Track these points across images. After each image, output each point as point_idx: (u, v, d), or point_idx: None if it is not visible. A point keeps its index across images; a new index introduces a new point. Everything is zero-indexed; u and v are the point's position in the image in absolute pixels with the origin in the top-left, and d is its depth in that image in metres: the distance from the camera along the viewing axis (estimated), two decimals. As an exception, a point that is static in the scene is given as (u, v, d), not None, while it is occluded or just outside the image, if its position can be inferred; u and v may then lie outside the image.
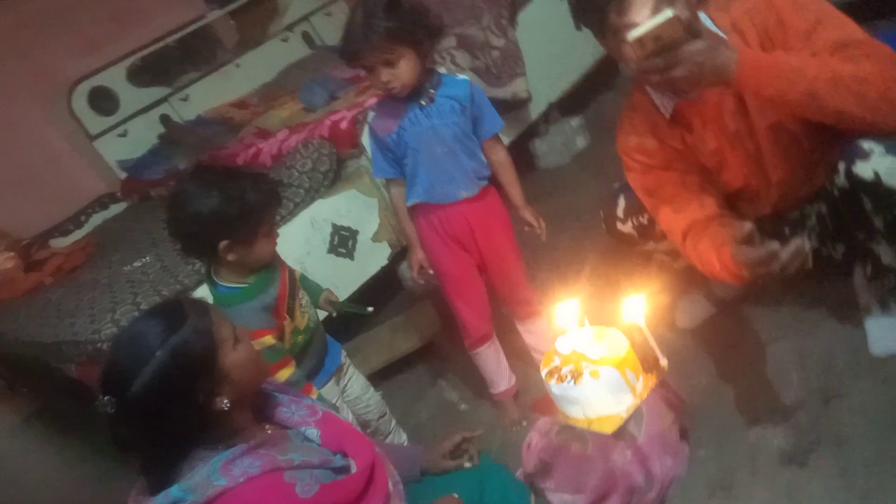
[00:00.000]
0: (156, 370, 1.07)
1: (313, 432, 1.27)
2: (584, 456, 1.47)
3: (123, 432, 1.10)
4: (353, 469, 1.22)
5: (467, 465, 1.52)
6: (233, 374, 1.15)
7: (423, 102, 1.74)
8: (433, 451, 1.54)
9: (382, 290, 2.76)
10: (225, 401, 1.13)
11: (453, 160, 1.78)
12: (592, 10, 1.41)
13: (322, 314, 1.86)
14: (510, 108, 3.06)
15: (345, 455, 1.24)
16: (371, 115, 1.83)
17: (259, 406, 1.27)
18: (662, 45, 1.24)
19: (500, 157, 1.87)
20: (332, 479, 1.18)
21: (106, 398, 1.08)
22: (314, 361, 1.71)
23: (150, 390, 1.07)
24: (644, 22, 1.25)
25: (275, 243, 1.61)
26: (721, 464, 1.53)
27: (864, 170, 1.40)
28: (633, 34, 1.25)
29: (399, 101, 1.75)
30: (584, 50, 3.31)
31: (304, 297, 1.70)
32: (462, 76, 1.82)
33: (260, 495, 1.08)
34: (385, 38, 1.61)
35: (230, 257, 1.53)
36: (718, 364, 1.79)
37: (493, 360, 2.01)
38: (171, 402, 1.09)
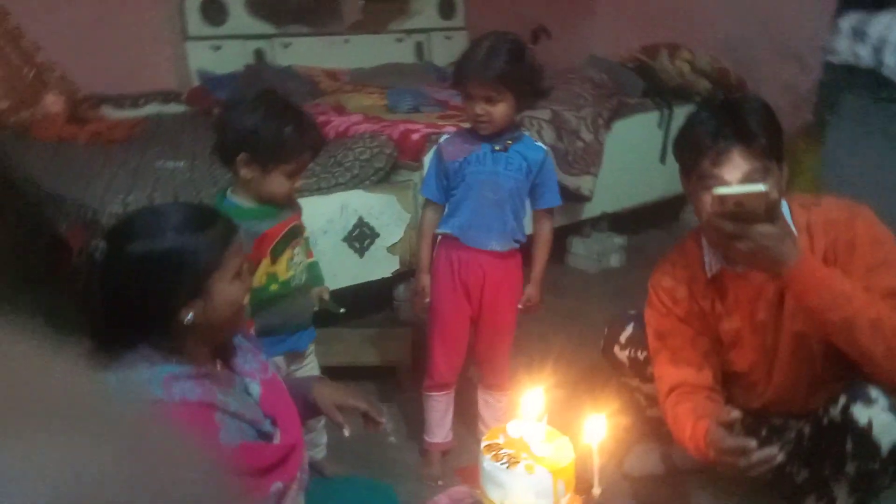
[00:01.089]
0: (154, 247, 1.09)
1: (256, 388, 1.26)
2: (482, 539, 1.45)
3: (94, 287, 1.10)
4: (277, 440, 1.21)
5: (346, 433, 1.40)
6: (214, 300, 1.15)
7: (496, 147, 1.79)
8: (331, 392, 1.43)
9: (371, 299, 2.77)
10: (190, 315, 1.13)
11: (498, 211, 1.81)
12: (690, 150, 1.44)
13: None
14: (568, 198, 3.10)
15: (274, 423, 1.23)
16: (444, 137, 1.88)
17: (219, 344, 1.27)
18: (740, 211, 1.27)
19: (545, 231, 1.90)
20: (255, 440, 1.17)
21: (102, 242, 1.10)
22: (277, 321, 1.69)
23: (139, 260, 1.08)
24: (736, 185, 1.30)
25: (291, 188, 1.63)
26: None
27: (861, 414, 1.40)
28: (720, 190, 1.29)
29: (475, 137, 1.80)
30: (657, 182, 3.37)
31: (300, 256, 1.70)
32: (541, 144, 1.86)
33: (185, 420, 1.07)
34: (498, 77, 1.67)
35: (244, 173, 1.56)
36: (643, 521, 1.77)
37: (440, 411, 2.00)
38: (148, 282, 1.09)
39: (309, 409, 1.40)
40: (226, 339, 1.27)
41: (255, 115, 1.55)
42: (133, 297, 1.10)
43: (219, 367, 1.24)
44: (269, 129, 1.54)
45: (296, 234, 1.69)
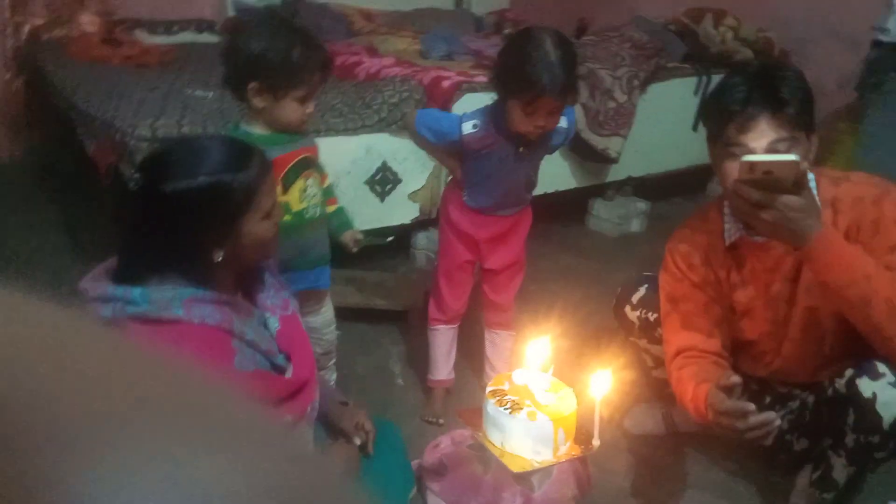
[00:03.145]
0: (189, 188, 1.10)
1: (274, 323, 1.29)
2: (479, 478, 1.49)
3: (127, 215, 1.13)
4: (289, 374, 1.24)
5: (357, 441, 1.49)
6: (243, 240, 1.17)
7: (521, 151, 1.73)
8: (342, 412, 1.52)
9: (389, 247, 2.78)
10: (221, 254, 1.15)
11: (515, 192, 1.83)
12: (719, 114, 1.42)
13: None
14: (594, 158, 3.08)
15: (288, 358, 1.26)
16: (469, 127, 1.73)
17: (243, 276, 1.29)
18: (769, 180, 1.25)
19: None
20: (268, 371, 1.20)
21: (137, 174, 1.12)
22: (292, 253, 1.67)
23: (173, 198, 1.10)
24: (765, 154, 1.28)
25: (304, 113, 1.60)
26: (589, 560, 1.54)
27: (866, 387, 1.40)
28: (751, 157, 1.27)
29: (500, 134, 1.71)
30: (687, 149, 3.31)
31: (313, 188, 1.69)
32: (562, 123, 1.76)
33: (203, 343, 1.10)
34: (568, 86, 1.60)
35: (256, 101, 1.55)
36: (638, 478, 1.80)
37: (445, 345, 2.03)
38: (180, 220, 1.11)
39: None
40: (251, 270, 1.29)
41: (261, 40, 1.51)
42: (165, 233, 1.13)
43: (240, 297, 1.27)
44: (277, 52, 1.51)
45: (308, 164, 1.67)
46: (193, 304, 1.11)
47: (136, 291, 1.09)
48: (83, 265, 2.66)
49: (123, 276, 1.12)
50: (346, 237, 1.84)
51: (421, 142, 1.87)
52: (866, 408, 1.39)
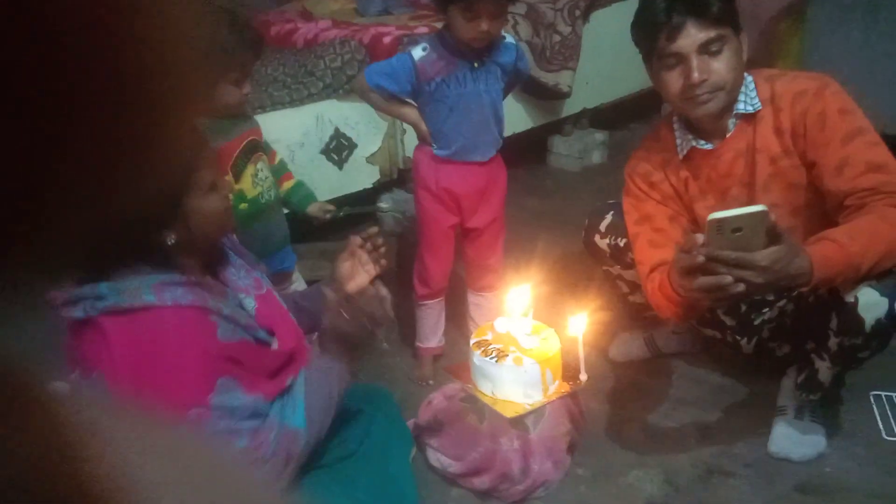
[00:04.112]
0: None
1: (250, 303, 1.26)
2: (475, 429, 1.51)
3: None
4: (274, 346, 1.23)
5: (383, 292, 1.37)
6: (192, 218, 1.14)
7: (475, 65, 1.72)
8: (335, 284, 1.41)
9: (354, 214, 2.75)
10: (172, 237, 1.12)
11: (484, 127, 1.78)
12: (646, 29, 1.46)
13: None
14: (546, 95, 3.05)
15: (270, 333, 1.25)
16: (419, 52, 1.73)
17: (209, 258, 1.27)
18: (742, 239, 1.20)
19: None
20: (252, 342, 1.20)
21: None
22: (255, 242, 1.63)
23: None
24: (731, 209, 1.23)
25: (241, 95, 1.55)
26: (592, 488, 1.58)
27: (848, 292, 1.43)
28: (716, 215, 1.21)
29: (452, 54, 1.71)
30: (637, 74, 3.28)
31: (264, 172, 1.66)
32: (510, 38, 1.80)
33: (181, 323, 1.09)
34: None
35: None
36: (628, 403, 1.84)
37: (434, 317, 2.03)
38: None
39: (315, 320, 1.38)
40: (213, 248, 1.27)
41: None
42: (109, 231, 1.08)
43: (209, 279, 1.25)
44: (202, 38, 1.45)
45: (255, 148, 1.63)
46: (163, 288, 1.09)
47: (102, 286, 1.07)
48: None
49: (87, 276, 1.10)
50: (314, 209, 1.81)
51: (376, 99, 1.81)
52: (849, 311, 1.42)
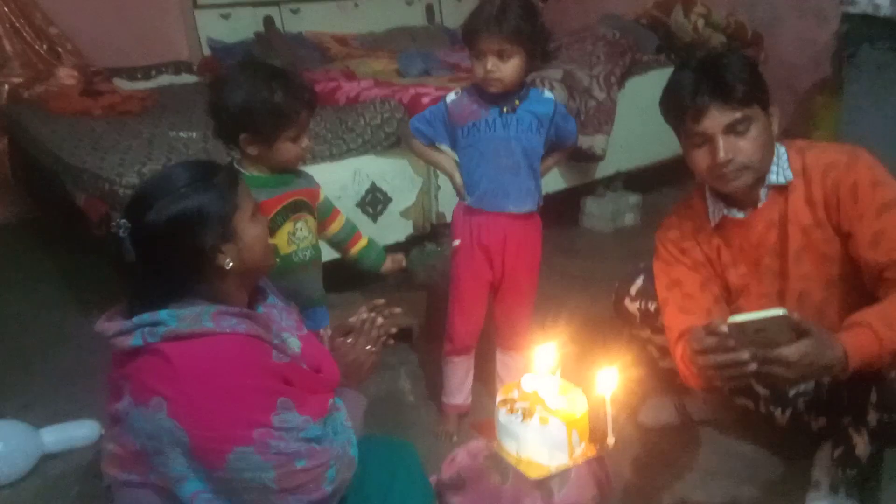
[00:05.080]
0: (173, 203, 1.13)
1: (295, 342, 1.31)
2: (498, 489, 1.48)
3: (128, 256, 1.15)
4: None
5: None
6: (244, 239, 1.20)
7: (504, 109, 1.77)
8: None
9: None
10: (228, 260, 1.18)
11: (514, 175, 1.80)
12: (673, 110, 1.49)
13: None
14: (581, 158, 3.09)
15: (317, 371, 1.29)
16: (452, 97, 1.83)
17: (255, 299, 1.32)
18: (764, 336, 1.20)
19: (556, 157, 1.94)
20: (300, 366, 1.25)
21: (122, 220, 1.14)
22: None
23: (163, 220, 1.12)
24: (751, 312, 1.22)
25: (301, 150, 1.62)
26: (617, 559, 1.53)
27: None
28: (736, 318, 1.21)
29: (482, 99, 1.77)
30: (670, 139, 3.32)
31: (303, 232, 1.68)
32: (549, 94, 1.85)
33: (241, 348, 1.13)
34: (511, 31, 1.66)
35: (250, 150, 1.57)
36: (657, 471, 1.79)
37: (461, 374, 2.02)
38: (178, 238, 1.14)
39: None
40: (258, 292, 1.33)
41: (243, 91, 1.52)
42: (171, 259, 1.15)
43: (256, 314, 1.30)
44: (261, 101, 1.52)
45: (299, 207, 1.66)
46: (220, 317, 1.14)
47: (162, 313, 1.11)
48: (84, 316, 2.68)
49: (140, 308, 1.14)
50: (388, 267, 1.87)
51: (416, 146, 1.91)
52: (890, 386, 1.39)
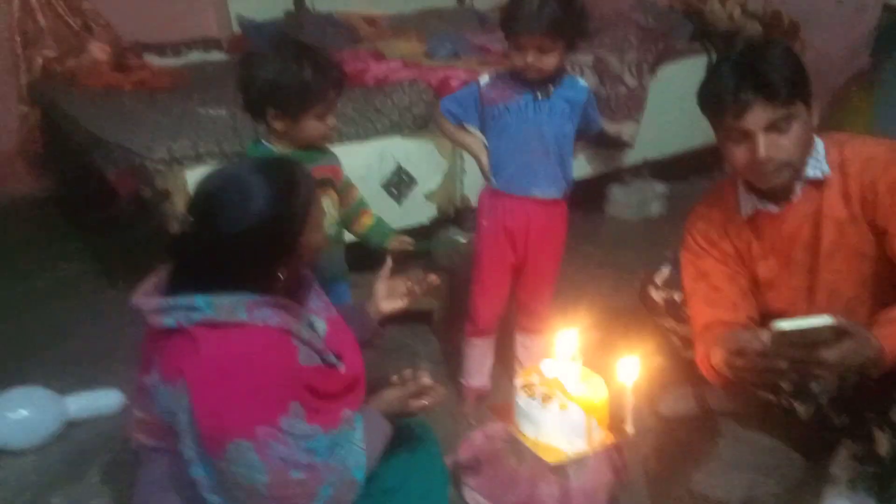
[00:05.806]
0: (251, 228, 1.13)
1: (321, 325, 1.32)
2: (515, 471, 1.49)
3: (188, 248, 1.16)
4: (342, 370, 1.28)
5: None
6: (304, 254, 1.22)
7: (538, 95, 1.76)
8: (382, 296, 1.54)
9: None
10: (284, 272, 1.20)
11: (544, 161, 1.80)
12: (713, 104, 1.44)
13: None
14: (608, 144, 3.07)
15: (339, 356, 1.29)
16: (485, 78, 1.82)
17: (295, 281, 1.32)
18: (805, 339, 1.18)
19: (580, 144, 1.92)
20: (324, 366, 1.25)
21: (190, 217, 1.16)
22: None
23: (233, 232, 1.13)
24: (798, 319, 1.18)
25: (327, 128, 1.62)
26: (632, 546, 1.54)
27: None
28: (782, 325, 1.17)
29: (516, 83, 1.76)
30: (702, 127, 3.28)
31: (329, 208, 1.69)
32: (583, 82, 1.84)
33: (269, 342, 1.14)
34: (553, 27, 1.64)
35: (276, 126, 1.58)
36: (675, 461, 1.79)
37: (480, 356, 2.03)
38: (243, 250, 1.14)
39: (366, 331, 1.50)
40: (298, 275, 1.33)
41: (272, 67, 1.53)
42: (226, 261, 1.15)
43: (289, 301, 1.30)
44: (289, 77, 1.53)
45: (324, 184, 1.67)
46: (255, 308, 1.15)
47: (199, 299, 1.12)
48: (113, 289, 2.72)
49: (181, 289, 1.16)
50: (395, 244, 1.86)
51: (446, 126, 1.90)
52: None
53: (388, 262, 1.55)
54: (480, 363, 2.04)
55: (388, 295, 1.53)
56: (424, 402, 1.33)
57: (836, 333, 1.18)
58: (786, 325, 1.16)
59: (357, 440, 1.23)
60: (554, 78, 1.76)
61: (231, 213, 1.13)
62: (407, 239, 1.88)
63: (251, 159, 1.31)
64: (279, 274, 1.19)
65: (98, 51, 3.60)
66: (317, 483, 1.14)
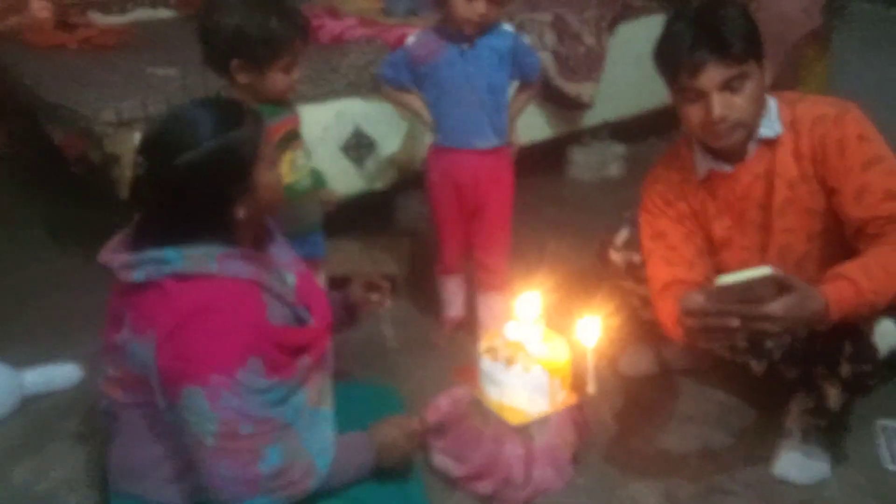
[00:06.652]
0: (200, 157, 1.12)
1: (291, 278, 1.33)
2: (480, 433, 1.52)
3: (144, 192, 1.15)
4: (311, 323, 1.29)
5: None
6: (260, 191, 1.20)
7: (463, 47, 1.80)
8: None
9: (370, 209, 2.77)
10: (243, 210, 1.18)
11: (479, 111, 1.84)
12: (668, 63, 1.45)
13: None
14: (568, 105, 3.06)
15: (307, 310, 1.30)
16: (412, 39, 1.87)
17: (257, 234, 1.32)
18: (749, 294, 1.21)
19: (524, 94, 1.98)
20: (292, 323, 1.27)
21: (141, 159, 1.14)
22: (287, 226, 1.68)
23: (184, 169, 1.12)
24: (738, 272, 1.22)
25: (291, 81, 1.59)
26: (592, 498, 1.58)
27: None
28: (723, 280, 1.21)
29: (442, 37, 1.81)
30: (661, 88, 3.29)
31: (302, 160, 1.68)
32: (508, 28, 1.87)
33: (239, 297, 1.15)
34: None
35: (240, 78, 1.54)
36: (634, 417, 1.84)
37: (453, 291, 2.13)
38: (199, 188, 1.14)
39: (348, 315, 1.56)
40: (263, 229, 1.33)
41: (237, 14, 1.48)
42: (186, 203, 1.15)
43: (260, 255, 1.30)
44: (255, 26, 1.48)
45: (294, 136, 1.66)
46: (225, 259, 1.16)
47: (168, 251, 1.12)
48: (69, 254, 2.65)
49: (147, 242, 1.15)
50: (322, 194, 1.84)
51: (386, 91, 1.96)
52: (863, 339, 1.42)
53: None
54: (454, 295, 2.13)
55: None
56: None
57: (779, 288, 1.22)
58: (727, 279, 1.22)
59: (329, 429, 1.28)
60: (481, 29, 1.79)
61: (178, 144, 1.12)
62: (334, 195, 1.90)
63: (197, 98, 1.30)
64: (238, 213, 1.17)
65: (39, 9, 3.44)
66: (264, 441, 1.14)
